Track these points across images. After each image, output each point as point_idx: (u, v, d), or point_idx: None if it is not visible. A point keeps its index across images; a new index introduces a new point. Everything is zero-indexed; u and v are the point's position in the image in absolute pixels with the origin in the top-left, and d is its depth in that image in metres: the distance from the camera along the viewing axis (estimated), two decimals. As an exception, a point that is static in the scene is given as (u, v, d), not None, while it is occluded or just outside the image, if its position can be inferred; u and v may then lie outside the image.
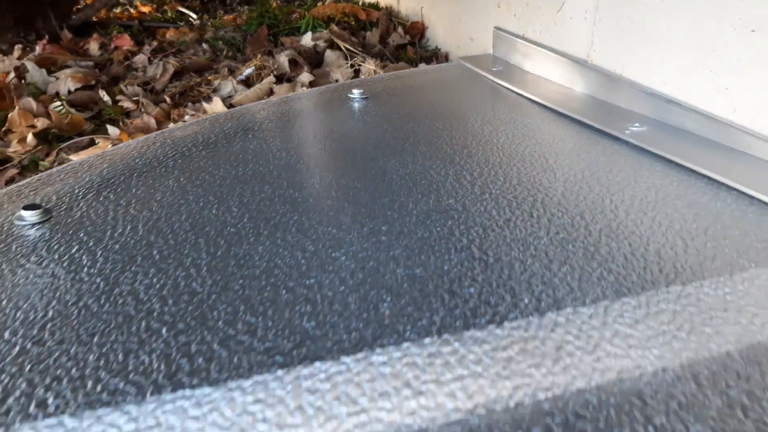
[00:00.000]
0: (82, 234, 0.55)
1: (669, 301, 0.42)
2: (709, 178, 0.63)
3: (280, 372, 0.36)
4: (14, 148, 1.10)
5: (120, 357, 0.38)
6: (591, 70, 0.93)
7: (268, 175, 0.67)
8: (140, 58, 1.55)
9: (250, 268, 0.48)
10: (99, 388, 0.36)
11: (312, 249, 0.50)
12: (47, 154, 1.12)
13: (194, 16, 2.18)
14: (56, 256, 0.51)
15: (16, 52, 1.70)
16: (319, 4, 2.00)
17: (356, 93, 1.00)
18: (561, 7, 1.01)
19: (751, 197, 0.58)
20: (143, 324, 0.41)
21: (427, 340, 0.38)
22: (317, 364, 0.37)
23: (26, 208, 0.59)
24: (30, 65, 1.46)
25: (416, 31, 1.72)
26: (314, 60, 1.50)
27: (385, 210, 0.57)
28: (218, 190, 0.63)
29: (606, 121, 0.80)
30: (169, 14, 2.22)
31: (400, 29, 1.72)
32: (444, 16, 1.63)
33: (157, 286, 0.46)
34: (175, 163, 0.71)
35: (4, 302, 0.44)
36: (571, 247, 0.49)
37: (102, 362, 0.38)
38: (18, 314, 0.43)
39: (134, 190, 0.64)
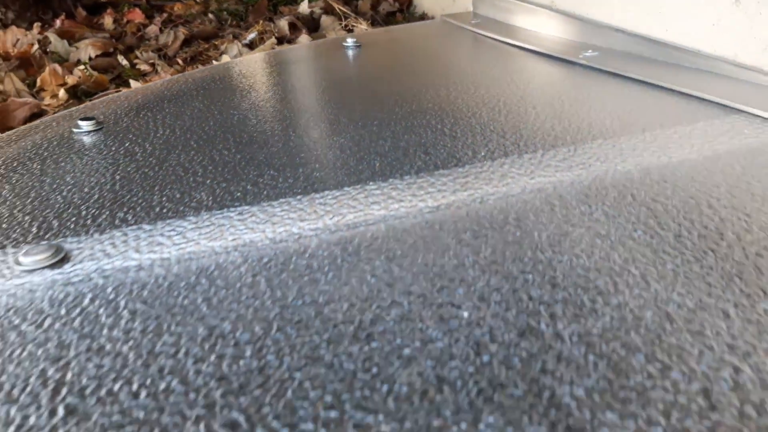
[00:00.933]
0: (131, 136, 0.67)
1: (587, 149, 0.54)
2: (643, 82, 0.75)
3: (299, 196, 0.48)
4: (48, 102, 1.21)
5: (178, 195, 0.50)
6: (555, 14, 1.04)
7: (279, 96, 0.79)
8: (152, 29, 1.66)
9: (271, 147, 0.60)
10: (167, 211, 0.48)
11: (317, 135, 0.63)
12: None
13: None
14: (113, 148, 0.63)
15: (36, 29, 1.81)
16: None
17: (350, 42, 1.11)
18: None
19: (677, 92, 0.70)
20: (191, 179, 0.53)
21: (407, 177, 0.51)
22: (325, 191, 0.49)
23: (82, 119, 0.71)
24: (53, 37, 1.57)
25: (404, -2, 1.83)
26: (311, 25, 1.61)
27: (377, 111, 0.69)
28: (237, 105, 0.75)
29: (565, 51, 0.91)
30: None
31: (389, -3, 1.84)
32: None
33: (198, 159, 0.58)
34: (198, 93, 0.83)
35: (78, 177, 0.56)
36: (522, 125, 0.61)
37: (165, 199, 0.50)
38: (90, 179, 0.55)
39: (167, 109, 0.76)
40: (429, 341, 0.31)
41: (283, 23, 1.53)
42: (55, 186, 0.54)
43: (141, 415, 0.28)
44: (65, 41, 1.57)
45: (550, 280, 0.36)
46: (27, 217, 0.48)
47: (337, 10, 1.57)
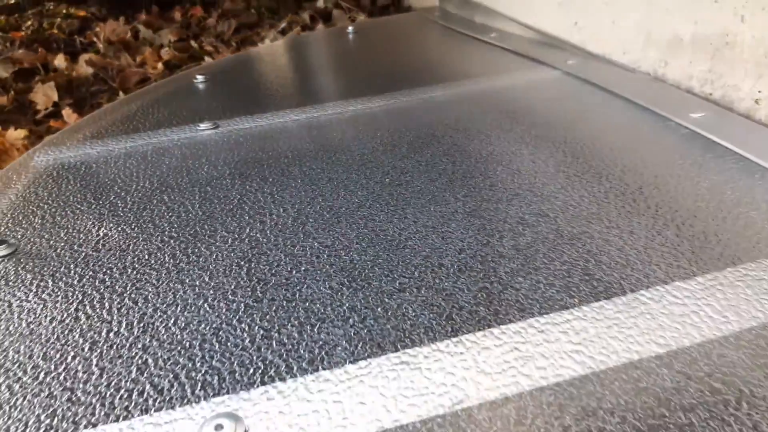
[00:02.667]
0: (233, 84, 1.24)
1: (475, 94, 1.10)
2: (503, 48, 1.30)
3: (317, 108, 1.05)
4: (150, 71, 1.78)
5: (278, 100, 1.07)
6: (481, 11, 1.59)
7: (307, 63, 1.35)
8: (210, 21, 2.22)
9: (304, 83, 1.16)
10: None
11: (330, 76, 1.19)
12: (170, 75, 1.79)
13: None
14: (219, 91, 1.20)
15: (122, 21, 2.37)
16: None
17: (350, 30, 1.67)
18: None
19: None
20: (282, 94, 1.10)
21: (369, 97, 1.07)
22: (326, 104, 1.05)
23: (199, 74, 1.27)
24: (141, 27, 2.14)
25: (396, -6, 2.37)
26: (325, 17, 2.16)
27: (367, 82, 1.25)
28: (291, 67, 1.32)
29: (479, 33, 1.46)
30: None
31: (384, -7, 2.38)
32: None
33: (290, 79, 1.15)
34: (256, 65, 1.39)
35: (198, 108, 1.13)
36: (455, 98, 1.17)
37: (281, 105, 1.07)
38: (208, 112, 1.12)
39: (242, 73, 1.33)
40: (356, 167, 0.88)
41: (305, 15, 2.09)
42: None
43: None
44: (150, 30, 2.14)
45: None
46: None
47: (343, 6, 2.13)
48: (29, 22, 2.64)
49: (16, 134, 1.28)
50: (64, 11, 2.63)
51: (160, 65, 1.79)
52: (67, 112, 1.45)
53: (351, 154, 0.83)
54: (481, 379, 0.44)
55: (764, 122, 0.79)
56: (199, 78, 1.25)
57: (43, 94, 1.64)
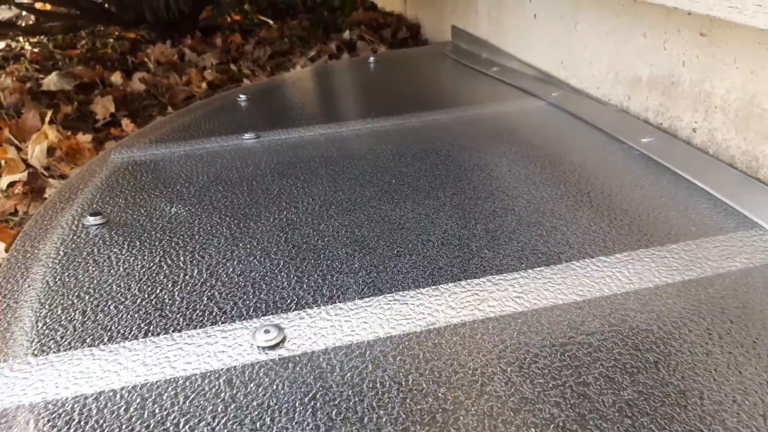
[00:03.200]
0: (270, 103, 1.45)
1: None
2: (496, 78, 1.50)
3: (338, 124, 1.25)
4: (195, 90, 2.01)
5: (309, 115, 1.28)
6: (488, 47, 1.79)
7: (333, 85, 1.57)
8: (248, 47, 2.45)
9: (333, 100, 1.37)
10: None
11: (352, 95, 1.40)
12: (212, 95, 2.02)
13: (271, 22, 3.08)
14: (259, 109, 1.41)
15: (169, 45, 2.62)
16: (354, 13, 2.89)
17: (371, 59, 1.88)
18: (478, 13, 1.88)
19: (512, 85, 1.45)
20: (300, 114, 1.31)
21: (385, 118, 1.27)
22: (348, 125, 1.26)
23: (242, 94, 1.48)
24: (186, 50, 2.38)
25: (414, 29, 2.59)
26: (350, 47, 2.38)
27: (383, 105, 1.46)
28: (320, 85, 1.53)
29: (481, 66, 1.67)
30: (255, 20, 3.12)
31: (404, 28, 2.60)
32: (431, 19, 2.49)
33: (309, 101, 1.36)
34: (289, 87, 1.61)
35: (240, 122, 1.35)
36: (455, 120, 1.37)
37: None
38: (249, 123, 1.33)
39: (277, 94, 1.54)
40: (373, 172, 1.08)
41: (333, 45, 2.31)
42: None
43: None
44: (194, 54, 2.37)
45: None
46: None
47: (366, 39, 2.35)
48: (83, 41, 2.90)
49: (84, 138, 1.50)
50: (116, 33, 2.89)
51: (204, 84, 2.02)
52: (125, 122, 1.67)
53: (366, 161, 1.03)
54: (448, 311, 0.63)
55: (699, 147, 0.98)
56: (242, 97, 1.46)
57: (102, 106, 1.86)
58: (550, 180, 0.91)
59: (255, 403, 0.52)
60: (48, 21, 2.90)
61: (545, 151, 1.02)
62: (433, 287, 0.67)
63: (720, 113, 0.91)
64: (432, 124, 1.19)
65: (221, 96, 1.52)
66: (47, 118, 1.61)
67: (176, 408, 0.52)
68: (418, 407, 0.51)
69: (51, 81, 2.03)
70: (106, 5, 2.73)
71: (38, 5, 3.16)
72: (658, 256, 0.71)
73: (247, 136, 1.15)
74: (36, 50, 2.65)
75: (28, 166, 1.44)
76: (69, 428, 0.50)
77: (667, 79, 1.03)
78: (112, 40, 2.77)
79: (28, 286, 0.71)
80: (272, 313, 0.64)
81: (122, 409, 0.53)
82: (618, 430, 0.47)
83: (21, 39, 2.86)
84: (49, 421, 0.51)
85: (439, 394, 0.52)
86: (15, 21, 3.18)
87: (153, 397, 0.54)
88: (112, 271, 0.73)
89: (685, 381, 0.52)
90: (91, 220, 0.85)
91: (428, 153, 1.04)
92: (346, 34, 2.47)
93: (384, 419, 0.50)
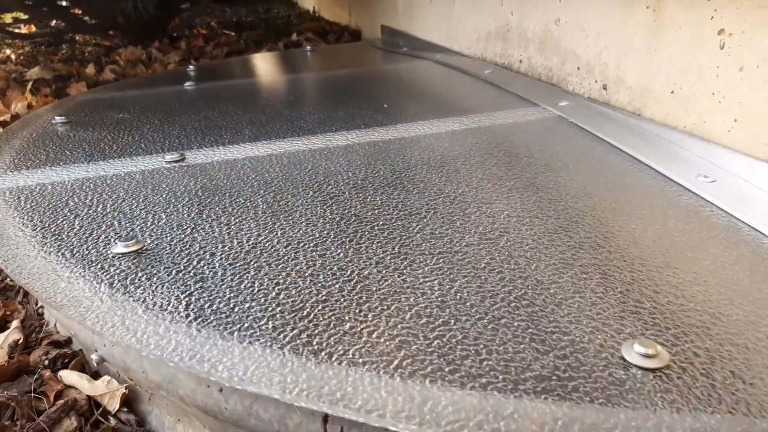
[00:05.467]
0: (214, 86, 1.76)
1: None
2: (426, 59, 1.82)
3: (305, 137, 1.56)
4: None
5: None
6: (402, 35, 2.12)
7: (274, 67, 1.88)
8: (208, 48, 2.77)
9: (269, 90, 1.68)
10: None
11: (294, 81, 1.71)
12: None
13: (233, 33, 3.42)
14: (201, 86, 1.72)
15: (139, 48, 2.93)
16: (304, 24, 3.24)
17: (308, 49, 2.21)
18: (397, 11, 2.22)
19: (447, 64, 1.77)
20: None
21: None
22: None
23: (190, 72, 1.79)
24: (154, 51, 2.69)
25: (356, 34, 2.93)
26: (296, 46, 2.72)
27: (312, 75, 1.77)
28: (255, 69, 1.84)
29: (415, 52, 1.99)
30: (219, 32, 3.46)
31: (347, 34, 2.94)
32: (370, 24, 2.84)
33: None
34: (248, 65, 1.92)
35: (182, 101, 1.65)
36: (364, 75, 1.69)
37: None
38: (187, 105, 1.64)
39: (235, 69, 1.85)
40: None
41: (281, 44, 2.64)
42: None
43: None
44: (161, 53, 2.68)
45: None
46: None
47: (311, 39, 2.69)
48: (64, 51, 3.20)
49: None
50: (94, 41, 3.21)
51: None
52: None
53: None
54: (304, 142, 0.93)
55: (522, 72, 1.29)
56: (191, 74, 1.76)
57: (76, 90, 2.16)
58: (423, 99, 1.22)
59: (163, 186, 0.81)
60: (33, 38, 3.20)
61: (428, 90, 1.33)
62: (297, 138, 0.96)
63: (532, 45, 1.24)
64: (346, 77, 1.50)
65: (161, 76, 1.81)
66: (28, 88, 1.90)
67: (107, 192, 0.81)
68: (279, 198, 0.80)
69: (33, 72, 2.33)
70: (81, 14, 3.05)
71: (24, 28, 3.47)
72: (461, 118, 1.01)
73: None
74: (21, 55, 2.94)
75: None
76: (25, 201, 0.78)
77: (504, 28, 1.35)
78: (90, 47, 3.07)
79: None
80: (180, 150, 0.93)
81: (77, 187, 0.81)
82: (403, 200, 0.77)
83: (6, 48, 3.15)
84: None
85: (290, 194, 0.82)
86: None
87: (98, 185, 0.83)
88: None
89: (458, 185, 0.82)
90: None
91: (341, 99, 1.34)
92: (294, 36, 2.80)
93: (251, 203, 0.79)
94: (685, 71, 0.82)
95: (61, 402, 0.63)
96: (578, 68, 1.07)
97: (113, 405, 0.63)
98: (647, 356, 0.44)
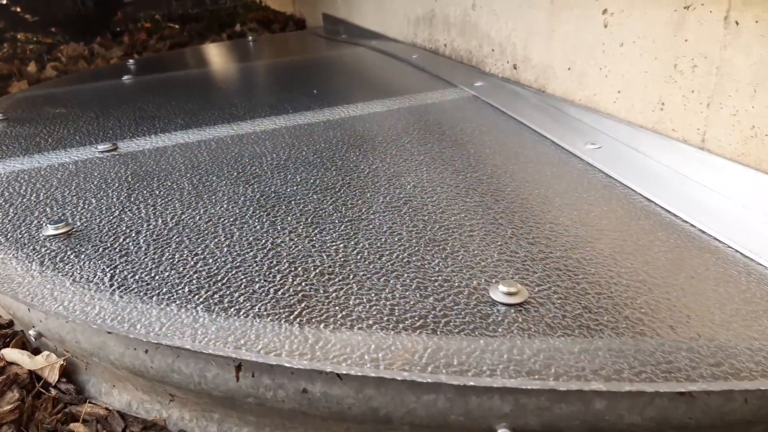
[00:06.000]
0: (154, 77, 1.78)
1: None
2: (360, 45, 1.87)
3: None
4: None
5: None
6: (343, 23, 2.17)
7: (219, 55, 1.91)
8: (152, 42, 2.77)
9: (212, 80, 1.71)
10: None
11: (237, 71, 1.74)
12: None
13: (177, 26, 3.42)
14: (140, 79, 1.74)
15: (81, 44, 2.91)
16: (249, 14, 3.25)
17: (250, 39, 2.24)
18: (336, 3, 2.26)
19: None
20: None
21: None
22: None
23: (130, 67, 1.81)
24: (96, 46, 2.68)
25: (301, 23, 2.96)
26: (240, 37, 2.74)
27: (254, 61, 1.81)
28: (201, 58, 1.87)
29: (338, 37, 2.04)
30: (163, 26, 3.44)
31: (291, 23, 2.98)
32: (313, 13, 2.88)
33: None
34: (193, 55, 1.94)
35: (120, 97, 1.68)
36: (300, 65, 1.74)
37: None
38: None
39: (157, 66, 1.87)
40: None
41: (224, 35, 2.66)
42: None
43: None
44: (103, 48, 2.68)
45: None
46: None
47: (254, 29, 2.71)
48: (5, 50, 3.15)
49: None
50: (35, 39, 3.16)
51: (115, 59, 2.32)
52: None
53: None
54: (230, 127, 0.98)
55: (446, 55, 1.36)
56: (131, 68, 1.78)
57: (18, 88, 2.15)
58: (352, 84, 1.28)
59: (95, 174, 0.86)
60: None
61: (358, 76, 1.39)
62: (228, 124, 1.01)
63: (454, 29, 1.31)
64: (282, 66, 1.55)
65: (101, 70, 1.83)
66: (-33, 88, 1.89)
67: (41, 182, 0.85)
68: (204, 180, 0.85)
69: (-28, 72, 2.30)
70: (21, 12, 3.01)
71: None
72: (384, 100, 1.08)
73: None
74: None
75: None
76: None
77: (430, 14, 1.42)
78: (31, 45, 3.03)
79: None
80: (113, 140, 0.98)
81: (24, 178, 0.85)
82: (329, 171, 0.83)
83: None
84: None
85: (215, 176, 0.87)
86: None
87: (32, 176, 0.86)
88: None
89: (373, 161, 0.88)
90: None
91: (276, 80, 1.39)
92: (238, 27, 2.82)
93: (177, 185, 0.84)
94: (579, 49, 0.89)
95: (2, 377, 0.68)
96: (492, 50, 1.15)
97: (53, 377, 0.68)
98: (509, 294, 0.51)
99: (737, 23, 0.63)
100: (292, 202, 0.71)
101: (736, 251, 0.57)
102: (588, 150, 0.80)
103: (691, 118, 0.70)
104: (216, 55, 1.89)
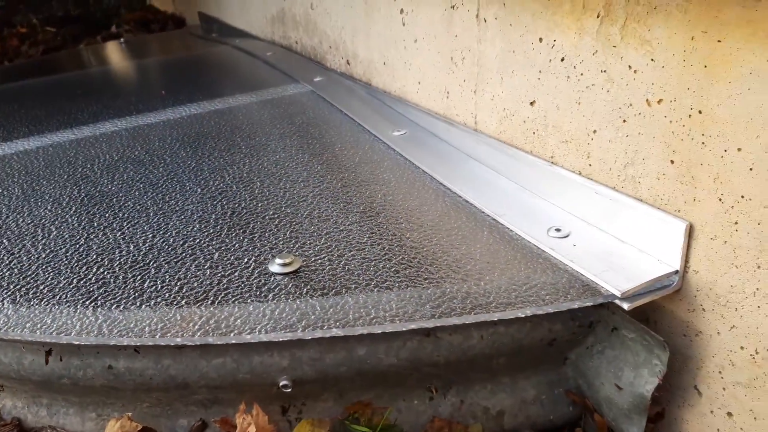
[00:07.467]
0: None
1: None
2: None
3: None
4: None
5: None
6: (216, 21, 2.18)
7: (94, 55, 1.88)
8: (24, 48, 2.68)
9: (87, 77, 1.69)
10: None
11: (104, 69, 1.73)
12: None
13: (54, 29, 3.29)
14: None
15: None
16: (126, 14, 3.19)
17: (121, 40, 2.21)
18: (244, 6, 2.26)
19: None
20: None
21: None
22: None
23: None
24: (-38, 54, 2.55)
25: (180, 22, 2.94)
26: (117, 38, 2.69)
27: (124, 61, 1.80)
28: (83, 59, 1.83)
29: (223, 38, 2.05)
30: (39, 30, 3.31)
31: (170, 23, 2.94)
32: (191, 12, 2.86)
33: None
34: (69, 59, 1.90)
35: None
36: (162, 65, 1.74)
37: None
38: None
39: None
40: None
41: (99, 38, 2.60)
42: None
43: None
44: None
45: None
46: None
47: (128, 30, 2.67)
48: None
49: None
50: None
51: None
52: None
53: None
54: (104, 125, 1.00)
55: (298, 51, 1.42)
56: None
57: None
58: (202, 84, 1.32)
59: None
60: None
61: (212, 75, 1.43)
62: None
63: (300, 27, 1.37)
64: (142, 68, 1.56)
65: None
66: None
67: None
68: (35, 185, 0.87)
69: None
70: None
71: None
72: (227, 98, 1.13)
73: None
74: None
75: None
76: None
77: (281, 13, 1.47)
78: None
79: None
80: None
81: None
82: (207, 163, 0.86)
83: None
84: None
85: (45, 180, 0.89)
86: None
87: None
88: None
89: (201, 156, 0.93)
90: None
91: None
92: (114, 29, 2.77)
93: (7, 192, 0.85)
94: (389, 45, 0.98)
95: None
96: (330, 46, 1.22)
97: None
98: (284, 264, 0.59)
99: (485, 20, 0.73)
100: (114, 200, 0.76)
101: (487, 215, 0.67)
102: (393, 137, 0.89)
103: (466, 104, 0.81)
104: (82, 60, 1.86)
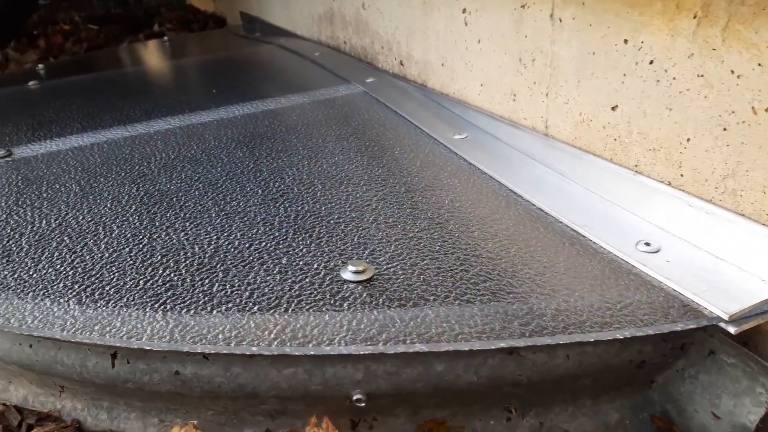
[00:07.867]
0: (67, 81, 1.75)
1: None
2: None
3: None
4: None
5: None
6: (258, 21, 2.18)
7: (140, 53, 1.88)
8: (68, 45, 2.70)
9: (129, 77, 1.69)
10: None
11: (148, 68, 1.73)
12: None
13: (96, 27, 3.32)
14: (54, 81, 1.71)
15: (-5, 49, 2.80)
16: (168, 14, 3.20)
17: (165, 39, 2.21)
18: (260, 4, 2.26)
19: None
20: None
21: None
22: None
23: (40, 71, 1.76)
24: (10, 51, 2.59)
25: (221, 22, 2.94)
26: (159, 37, 2.70)
27: (168, 60, 1.80)
28: (129, 57, 1.84)
29: (266, 38, 2.05)
30: (82, 27, 3.34)
31: (211, 22, 2.95)
32: (232, 11, 2.86)
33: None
34: (114, 55, 1.91)
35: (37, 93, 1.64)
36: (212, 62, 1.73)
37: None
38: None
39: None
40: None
41: (142, 36, 2.62)
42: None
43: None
44: (17, 53, 2.59)
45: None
46: None
47: (171, 29, 2.68)
48: None
49: None
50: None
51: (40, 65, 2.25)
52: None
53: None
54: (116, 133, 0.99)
55: (347, 52, 1.40)
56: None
57: (-75, 95, 2.06)
58: (252, 83, 1.30)
59: None
60: None
61: (261, 74, 1.41)
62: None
63: (350, 27, 1.35)
64: (189, 66, 1.55)
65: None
66: None
67: None
68: (92, 181, 0.86)
69: None
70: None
71: None
72: (279, 98, 1.11)
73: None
74: None
75: None
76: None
77: (329, 13, 1.45)
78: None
79: None
80: (8, 147, 0.97)
81: None
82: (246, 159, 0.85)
83: None
84: None
85: (103, 177, 0.88)
86: None
87: None
88: None
89: (258, 157, 0.91)
90: None
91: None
92: (156, 27, 2.78)
93: (65, 188, 0.84)
94: (449, 45, 0.95)
95: None
96: (382, 47, 1.19)
97: (-56, 378, 0.69)
98: (357, 272, 0.56)
99: (560, 20, 0.69)
100: (174, 199, 0.74)
101: (566, 225, 0.63)
102: (455, 140, 0.86)
103: (536, 107, 0.77)
104: (128, 57, 1.87)
